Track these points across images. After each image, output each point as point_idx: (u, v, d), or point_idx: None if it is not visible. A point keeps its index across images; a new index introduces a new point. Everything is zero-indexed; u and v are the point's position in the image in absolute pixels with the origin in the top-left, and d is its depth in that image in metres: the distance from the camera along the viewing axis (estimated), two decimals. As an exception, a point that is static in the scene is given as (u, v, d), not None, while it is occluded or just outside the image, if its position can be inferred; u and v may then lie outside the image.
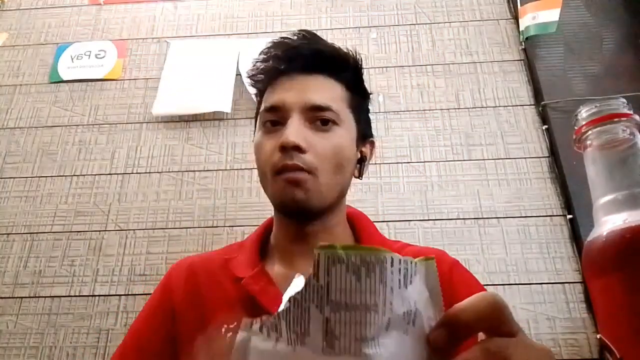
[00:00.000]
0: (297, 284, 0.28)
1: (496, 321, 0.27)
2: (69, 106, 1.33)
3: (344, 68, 0.63)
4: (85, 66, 1.38)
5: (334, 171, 0.58)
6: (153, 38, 1.41)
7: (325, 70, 0.62)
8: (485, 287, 0.61)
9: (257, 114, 0.66)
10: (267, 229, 0.68)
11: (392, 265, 0.26)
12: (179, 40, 1.40)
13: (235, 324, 0.53)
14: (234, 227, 1.13)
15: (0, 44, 1.44)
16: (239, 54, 1.34)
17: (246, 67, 0.68)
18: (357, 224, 0.67)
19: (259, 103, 0.66)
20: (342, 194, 0.63)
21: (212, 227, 1.14)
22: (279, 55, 0.62)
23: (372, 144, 0.69)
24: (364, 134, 0.66)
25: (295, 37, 0.63)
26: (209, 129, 1.26)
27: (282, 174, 0.56)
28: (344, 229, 0.64)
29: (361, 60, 0.66)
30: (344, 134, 0.60)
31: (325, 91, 0.60)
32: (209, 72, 1.32)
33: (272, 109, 0.60)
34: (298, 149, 0.55)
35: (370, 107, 0.71)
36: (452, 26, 1.35)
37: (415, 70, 1.30)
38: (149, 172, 1.22)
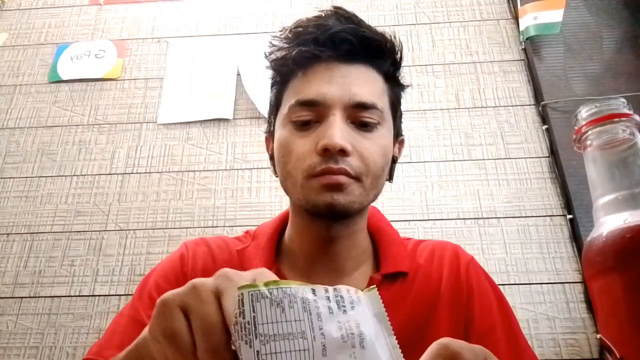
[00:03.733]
0: None
1: None
2: (69, 106, 1.33)
3: (386, 56, 0.55)
4: (85, 66, 1.38)
5: (378, 175, 0.52)
6: (153, 38, 1.41)
7: (368, 59, 0.53)
8: (499, 286, 0.60)
9: (276, 104, 0.57)
10: (282, 224, 0.61)
11: (315, 294, 0.28)
12: (179, 40, 1.40)
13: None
14: (234, 227, 1.13)
15: (1, 44, 1.44)
16: (239, 54, 1.34)
17: (251, 60, 0.58)
18: (374, 225, 0.61)
19: (278, 92, 0.56)
20: (376, 198, 0.56)
21: (212, 227, 1.14)
22: (317, 38, 0.52)
23: (402, 142, 0.62)
24: (398, 133, 0.59)
25: (332, 17, 0.54)
26: (209, 129, 1.26)
27: (320, 177, 0.48)
28: (365, 235, 0.59)
29: (402, 47, 0.57)
30: (387, 134, 0.54)
31: (370, 85, 0.53)
32: (209, 75, 1.32)
33: (309, 103, 0.50)
34: (343, 152, 0.48)
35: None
36: (452, 26, 1.35)
37: (415, 70, 1.30)
38: (149, 172, 1.22)
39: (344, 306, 0.29)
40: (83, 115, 1.31)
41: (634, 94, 1.10)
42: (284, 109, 0.54)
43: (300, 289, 0.28)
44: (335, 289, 0.29)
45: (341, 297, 0.29)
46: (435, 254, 0.58)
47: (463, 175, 1.15)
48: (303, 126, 0.51)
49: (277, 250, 0.58)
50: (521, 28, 1.28)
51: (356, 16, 0.55)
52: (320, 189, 0.48)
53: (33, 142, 1.29)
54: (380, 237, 0.59)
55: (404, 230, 1.09)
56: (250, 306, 0.26)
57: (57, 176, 1.23)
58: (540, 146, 1.17)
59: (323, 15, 0.54)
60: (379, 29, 0.56)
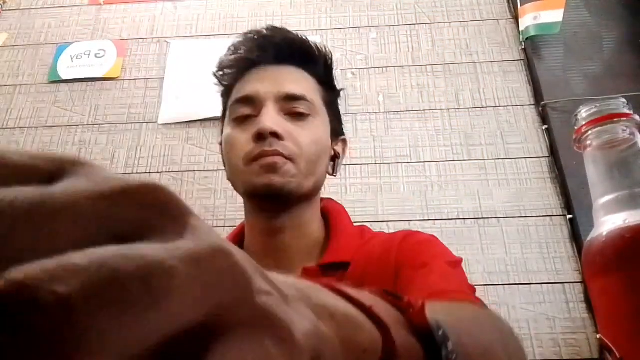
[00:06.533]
0: None
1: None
2: (69, 106, 1.33)
3: (316, 60, 0.62)
4: (85, 66, 1.38)
5: (312, 160, 0.56)
6: (153, 38, 1.41)
7: (298, 61, 0.60)
8: (484, 286, 0.59)
9: (223, 113, 0.63)
10: (239, 235, 0.65)
11: None
12: (179, 40, 1.40)
13: None
14: (234, 227, 1.12)
15: (1, 44, 1.44)
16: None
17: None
18: (331, 219, 0.62)
19: (224, 102, 0.63)
20: (317, 188, 0.59)
21: (212, 227, 1.14)
22: (249, 46, 0.60)
23: (345, 142, 0.67)
24: (337, 131, 0.64)
25: (266, 29, 0.62)
26: (209, 129, 1.26)
27: (257, 160, 0.53)
28: (318, 226, 0.61)
29: (331, 55, 0.64)
30: (320, 125, 0.59)
31: (300, 82, 0.59)
32: (209, 75, 1.32)
33: (245, 100, 0.57)
34: (276, 135, 0.53)
35: (339, 105, 0.68)
36: (452, 26, 1.35)
37: (415, 70, 1.30)
38: (149, 172, 1.22)
39: None
40: (83, 115, 1.31)
41: (634, 94, 1.10)
42: (227, 113, 0.60)
43: None
44: None
45: None
46: (381, 238, 0.59)
47: (463, 175, 1.15)
48: (242, 122, 0.57)
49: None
50: (521, 28, 1.28)
51: (286, 28, 0.62)
52: (258, 171, 0.52)
53: (33, 142, 1.29)
54: (333, 230, 0.60)
55: (404, 230, 1.09)
56: None
57: (57, 176, 1.23)
58: (540, 146, 1.17)
59: (258, 30, 0.62)
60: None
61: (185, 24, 1.43)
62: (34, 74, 1.39)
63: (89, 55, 1.39)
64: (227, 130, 0.58)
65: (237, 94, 0.59)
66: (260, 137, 0.53)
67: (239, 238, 0.64)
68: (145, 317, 0.10)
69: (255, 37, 0.61)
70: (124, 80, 1.35)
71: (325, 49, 0.63)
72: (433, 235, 0.59)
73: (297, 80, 0.58)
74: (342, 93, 0.69)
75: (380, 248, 0.56)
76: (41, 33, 1.45)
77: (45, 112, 1.33)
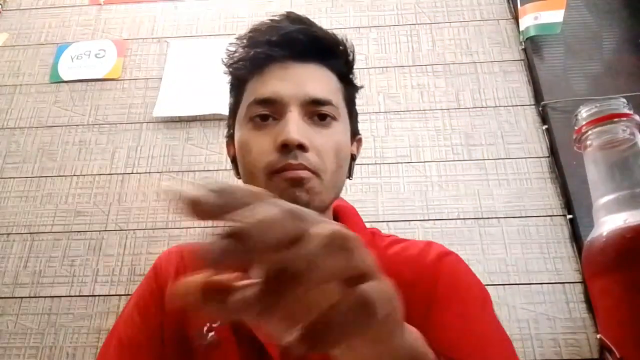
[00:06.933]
0: None
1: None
2: (69, 106, 1.33)
3: (339, 56, 0.58)
4: (85, 66, 1.38)
5: (335, 171, 0.53)
6: (153, 38, 1.41)
7: (320, 58, 0.56)
8: (486, 286, 0.58)
9: (234, 107, 0.58)
10: None
11: None
12: (179, 40, 1.40)
13: (218, 322, 0.52)
14: (234, 227, 1.13)
15: (1, 44, 1.44)
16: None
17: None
18: (344, 220, 0.61)
19: (238, 94, 0.58)
20: (337, 196, 0.58)
21: (212, 227, 1.14)
22: (270, 40, 0.54)
23: (360, 141, 0.64)
24: (354, 131, 0.61)
25: (285, 20, 0.57)
26: (209, 129, 1.26)
27: (281, 173, 0.50)
28: None
29: (353, 48, 0.60)
30: (342, 129, 0.55)
31: (324, 83, 0.55)
32: (209, 73, 1.32)
33: (265, 101, 0.52)
34: (301, 147, 0.49)
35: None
36: (452, 26, 1.35)
37: (415, 70, 1.30)
38: (149, 172, 1.22)
39: None
40: (83, 115, 1.31)
41: (634, 94, 1.10)
42: (242, 111, 0.55)
43: None
44: None
45: None
46: (405, 251, 0.56)
47: (463, 175, 1.15)
48: (261, 124, 0.53)
49: None
50: (521, 28, 1.28)
51: (308, 19, 0.57)
52: (282, 185, 0.50)
53: (33, 142, 1.29)
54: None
55: (404, 230, 1.09)
56: None
57: (57, 176, 1.23)
58: (540, 146, 1.17)
59: (277, 19, 0.57)
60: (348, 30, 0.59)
61: (185, 24, 1.43)
62: (34, 74, 1.39)
63: (89, 55, 1.39)
64: (243, 131, 0.54)
65: (255, 92, 0.54)
66: (286, 148, 0.49)
67: None
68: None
69: (276, 29, 0.55)
70: (124, 80, 1.35)
71: (349, 42, 0.59)
72: (463, 262, 0.57)
73: (321, 81, 0.54)
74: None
75: (411, 271, 0.53)
76: (41, 33, 1.45)
77: (45, 112, 1.33)
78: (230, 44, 0.58)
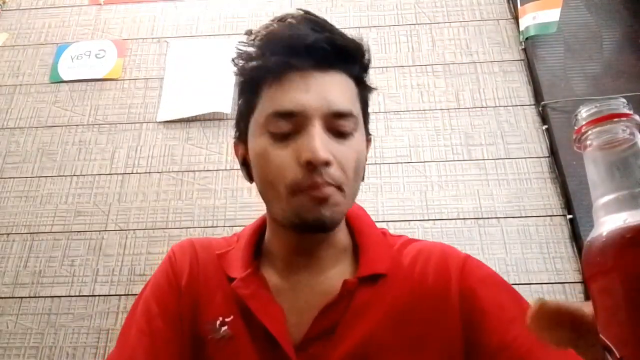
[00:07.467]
0: None
1: None
2: (69, 106, 1.33)
3: (358, 61, 0.56)
4: (85, 66, 1.38)
5: (355, 180, 0.52)
6: (153, 38, 1.41)
7: (341, 65, 0.53)
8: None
9: (246, 110, 0.55)
10: (263, 224, 0.62)
11: None
12: (179, 40, 1.40)
13: (231, 317, 0.52)
14: (234, 227, 1.13)
15: (1, 44, 1.44)
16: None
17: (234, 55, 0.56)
18: (355, 223, 0.61)
19: (252, 98, 0.55)
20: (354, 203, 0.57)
21: (212, 227, 1.14)
22: (292, 48, 0.51)
23: (370, 141, 0.63)
24: (367, 133, 0.60)
25: (304, 24, 0.53)
26: (209, 129, 1.26)
27: (306, 191, 0.49)
28: (344, 234, 0.59)
29: (369, 49, 0.58)
30: (360, 138, 0.54)
31: (345, 92, 0.53)
32: (209, 73, 1.32)
33: (287, 114, 0.50)
34: (326, 163, 0.48)
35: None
36: (452, 26, 1.35)
37: (415, 70, 1.30)
38: (149, 172, 1.22)
39: None
40: (83, 115, 1.31)
41: (634, 94, 1.10)
42: (259, 118, 0.53)
43: None
44: None
45: None
46: (421, 256, 0.56)
47: (463, 175, 1.15)
48: (281, 136, 0.51)
49: (257, 250, 0.60)
50: (521, 28, 1.28)
51: (327, 22, 0.55)
52: (308, 204, 0.49)
53: (33, 142, 1.29)
54: (360, 237, 0.59)
55: (404, 230, 1.09)
56: None
57: (57, 176, 1.23)
58: (540, 146, 1.17)
59: (294, 21, 0.53)
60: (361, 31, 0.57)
61: (185, 24, 1.43)
62: (34, 74, 1.39)
63: (89, 55, 1.39)
64: (260, 141, 0.52)
65: (275, 103, 0.51)
66: (311, 166, 0.48)
67: (259, 231, 0.61)
68: None
69: (298, 37, 0.51)
70: (124, 80, 1.35)
71: (365, 45, 0.57)
72: (478, 261, 0.57)
73: (342, 91, 0.53)
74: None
75: (433, 276, 0.53)
76: (41, 33, 1.45)
77: (45, 112, 1.33)
78: (242, 42, 0.55)
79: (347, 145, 0.52)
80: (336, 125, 0.51)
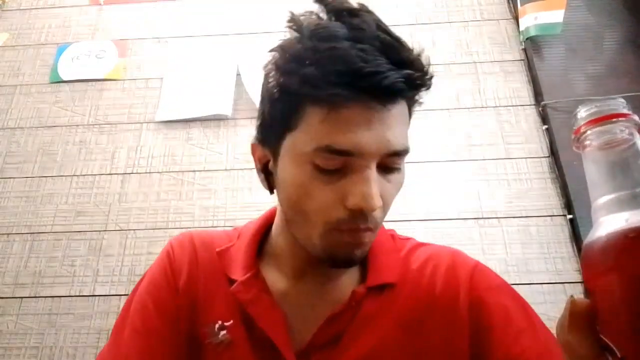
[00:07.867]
0: None
1: None
2: (70, 106, 1.33)
3: (423, 89, 0.48)
4: (85, 66, 1.38)
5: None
6: (153, 38, 1.41)
7: (407, 97, 0.48)
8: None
9: (283, 121, 0.47)
10: (267, 224, 0.59)
11: None
12: (179, 40, 1.40)
13: (231, 322, 0.51)
14: (234, 228, 1.12)
15: (1, 44, 1.44)
16: (239, 54, 1.34)
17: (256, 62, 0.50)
18: None
19: (290, 110, 0.46)
20: None
21: (212, 227, 1.14)
22: (361, 79, 0.42)
23: None
24: None
25: (370, 40, 0.44)
26: (210, 129, 1.26)
27: (343, 232, 0.46)
28: None
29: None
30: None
31: (404, 127, 0.47)
32: (209, 74, 1.32)
33: (343, 153, 0.43)
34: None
35: None
36: (453, 26, 1.35)
37: (416, 70, 1.30)
38: (150, 172, 1.22)
39: None
40: (83, 116, 1.31)
41: (634, 94, 1.10)
42: (302, 145, 0.45)
43: None
44: None
45: None
46: (430, 263, 0.55)
47: (463, 175, 1.15)
48: (327, 171, 0.45)
49: (260, 250, 0.58)
50: (521, 28, 1.28)
51: (403, 44, 0.47)
52: (341, 243, 0.46)
53: (34, 142, 1.29)
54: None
55: (404, 231, 1.08)
56: None
57: (58, 176, 1.24)
58: (541, 146, 1.17)
59: (365, 47, 0.43)
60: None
61: (185, 24, 1.43)
62: (34, 74, 1.39)
63: (89, 55, 1.39)
64: (304, 172, 0.46)
65: (328, 136, 0.44)
66: (360, 212, 0.44)
67: (263, 231, 0.59)
68: None
69: (373, 69, 0.42)
70: (124, 80, 1.35)
71: (430, 68, 0.49)
72: (487, 269, 0.55)
73: (403, 127, 0.47)
74: None
75: (441, 286, 0.52)
76: (42, 33, 1.45)
77: (45, 112, 1.33)
78: (286, 44, 0.46)
79: (394, 182, 0.49)
80: (389, 162, 0.47)
